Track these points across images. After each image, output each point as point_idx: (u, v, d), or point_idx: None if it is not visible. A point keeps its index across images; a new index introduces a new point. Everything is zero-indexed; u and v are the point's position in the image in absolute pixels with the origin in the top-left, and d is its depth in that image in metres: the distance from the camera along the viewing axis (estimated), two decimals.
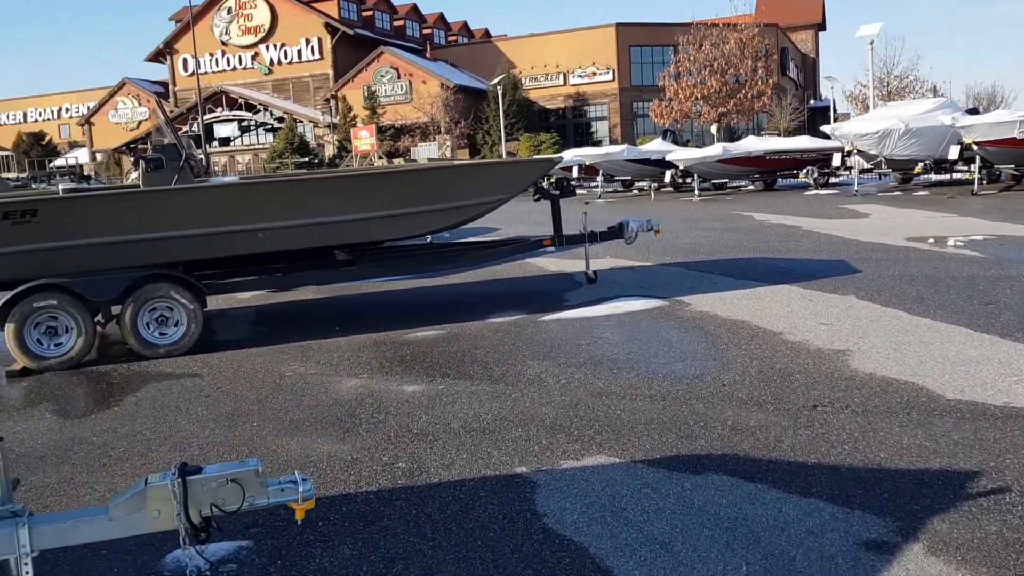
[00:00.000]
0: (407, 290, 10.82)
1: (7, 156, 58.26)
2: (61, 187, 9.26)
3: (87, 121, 67.82)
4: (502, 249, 9.59)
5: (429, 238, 11.23)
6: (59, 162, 57.20)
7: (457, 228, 9.58)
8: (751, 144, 27.42)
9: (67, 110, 74.22)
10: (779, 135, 37.30)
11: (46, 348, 7.39)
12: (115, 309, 7.91)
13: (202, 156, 39.96)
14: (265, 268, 8.92)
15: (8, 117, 76.30)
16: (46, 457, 5.06)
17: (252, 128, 58.93)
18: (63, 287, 7.29)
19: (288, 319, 9.50)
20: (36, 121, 74.69)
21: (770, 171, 27.15)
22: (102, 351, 8.14)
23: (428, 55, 59.61)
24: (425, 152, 45.37)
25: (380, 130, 47.50)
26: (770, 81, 48.34)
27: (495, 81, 49.09)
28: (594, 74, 55.74)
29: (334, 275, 9.07)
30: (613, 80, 55.18)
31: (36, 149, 66.27)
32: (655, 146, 29.81)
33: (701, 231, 15.83)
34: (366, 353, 7.36)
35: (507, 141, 48.44)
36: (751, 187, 29.20)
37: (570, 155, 29.61)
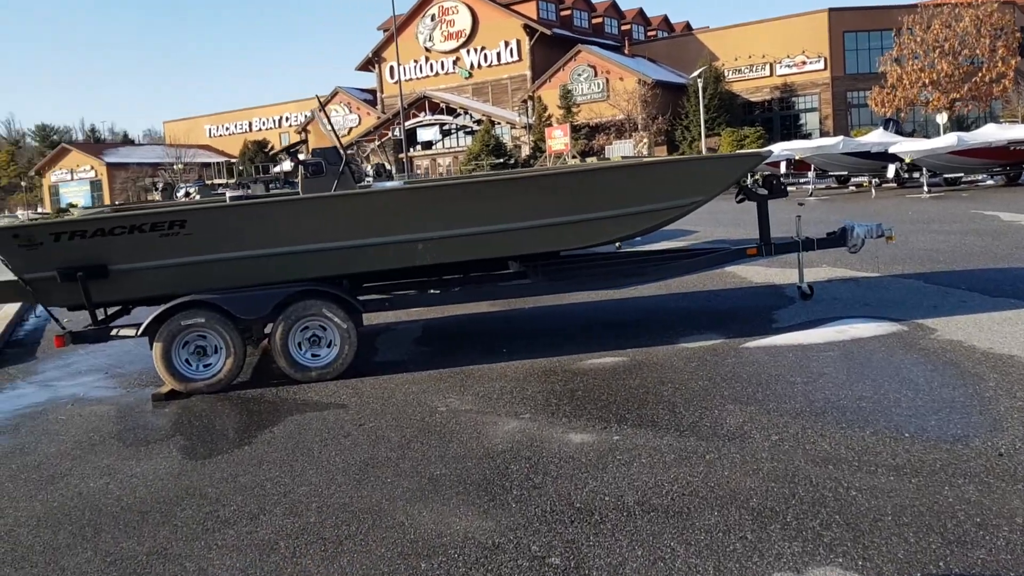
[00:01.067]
0: (586, 303, 9.67)
1: (230, 163, 62.53)
2: (229, 195, 8.86)
3: (304, 128, 71.68)
4: (699, 260, 8.21)
5: (618, 245, 10.01)
6: (276, 168, 60.75)
7: (647, 235, 8.33)
8: (991, 133, 24.12)
9: (287, 119, 78.85)
10: (1020, 123, 33.01)
11: (194, 369, 6.88)
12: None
13: (383, 163, 40.68)
14: (427, 282, 8.17)
15: (236, 127, 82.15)
16: (149, 514, 4.34)
17: (453, 131, 59.99)
18: (211, 304, 6.76)
19: (454, 336, 8.63)
20: (260, 130, 79.89)
21: (1015, 163, 23.76)
22: (260, 370, 7.58)
23: (626, 51, 58.29)
24: (620, 150, 44.02)
25: (574, 129, 46.67)
26: (1012, 63, 43.06)
27: (695, 74, 47.01)
28: (803, 63, 52.31)
29: (504, 290, 8.10)
30: (825, 69, 51.55)
31: (259, 156, 70.78)
32: (875, 137, 26.92)
33: (936, 234, 13.61)
34: (532, 385, 6.30)
35: (707, 136, 46.31)
36: (990, 182, 25.79)
37: (779, 149, 27.08)
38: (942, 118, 39.99)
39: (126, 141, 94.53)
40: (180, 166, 64.04)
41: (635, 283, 8.24)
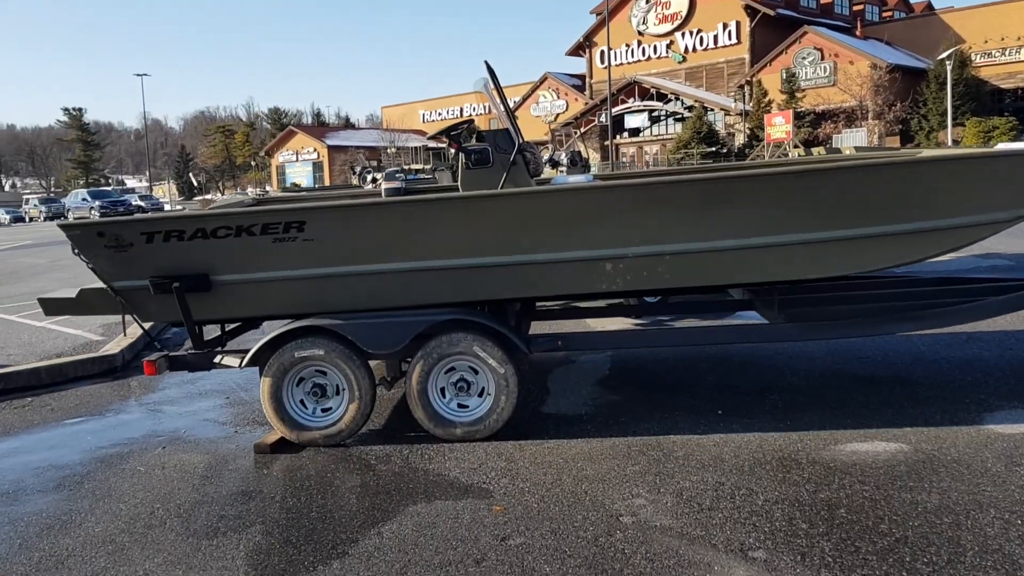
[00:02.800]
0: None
1: (427, 147, 63.03)
2: (385, 186, 7.27)
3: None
4: (1011, 299, 5.75)
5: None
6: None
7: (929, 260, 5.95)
8: None
9: (465, 114, 78.99)
10: None
11: (310, 414, 5.36)
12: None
13: (579, 151, 38.71)
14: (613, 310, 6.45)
15: (448, 112, 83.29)
16: None
17: (662, 118, 57.39)
18: (333, 332, 5.25)
19: (651, 377, 6.64)
20: (470, 115, 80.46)
21: None
22: (402, 408, 5.99)
23: (858, 33, 53.21)
24: (851, 140, 39.65)
25: (798, 116, 42.74)
26: None
27: (944, 55, 41.79)
28: None
29: (726, 334, 6.06)
30: None
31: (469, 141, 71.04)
32: None
33: None
34: (763, 484, 4.23)
35: (952, 127, 41.13)
36: None
37: None
38: None
39: (347, 125, 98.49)
40: (393, 150, 65.45)
41: (925, 327, 5.81)
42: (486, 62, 6.03)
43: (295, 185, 67.76)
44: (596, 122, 57.63)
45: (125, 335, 8.46)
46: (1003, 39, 46.74)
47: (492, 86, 6.06)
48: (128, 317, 5.53)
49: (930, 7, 64.60)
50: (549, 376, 6.76)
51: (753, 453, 4.70)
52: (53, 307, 5.81)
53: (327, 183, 70.71)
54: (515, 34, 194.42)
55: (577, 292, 5.47)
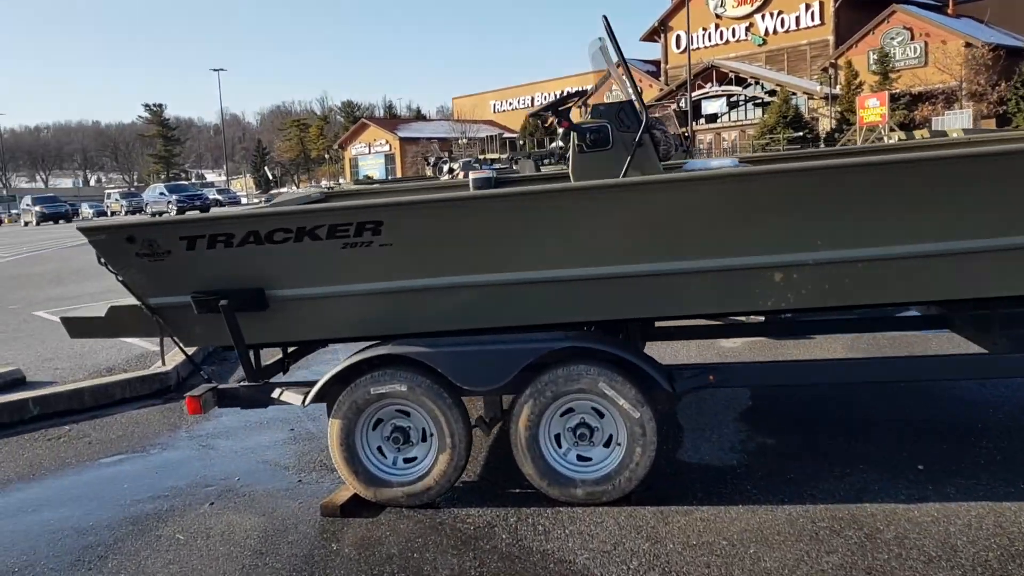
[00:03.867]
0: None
1: (503, 136, 62.07)
2: (473, 175, 6.16)
3: (583, 103, 69.87)
4: None
5: None
6: (553, 145, 59.39)
7: None
8: None
9: (565, 92, 77.26)
10: None
11: (390, 465, 4.25)
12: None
13: (683, 133, 37.14)
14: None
15: (519, 102, 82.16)
16: None
17: (741, 103, 55.27)
18: (418, 362, 4.15)
19: (801, 410, 5.37)
20: (541, 104, 79.23)
21: None
22: (496, 460, 4.87)
23: (950, 11, 50.27)
24: (955, 122, 37.03)
25: (892, 98, 40.28)
26: None
27: None
28: None
29: (927, 368, 4.46)
30: None
31: (539, 131, 69.99)
32: None
33: None
34: None
35: None
36: None
37: None
38: None
39: (418, 117, 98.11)
40: (464, 140, 64.67)
41: None
42: (604, 17, 4.84)
43: (368, 177, 67.58)
44: (672, 108, 55.86)
45: (164, 363, 7.23)
46: None
47: (611, 48, 4.89)
48: (168, 340, 4.50)
49: None
50: (680, 411, 5.52)
51: (993, 537, 3.42)
52: (79, 328, 4.81)
53: (399, 175, 70.44)
54: (586, 24, 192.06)
55: (731, 311, 4.34)
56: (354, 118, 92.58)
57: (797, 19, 53.30)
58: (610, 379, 4.02)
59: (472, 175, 6.16)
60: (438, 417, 4.15)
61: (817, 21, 52.22)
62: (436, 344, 4.15)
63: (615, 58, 4.78)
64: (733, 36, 56.88)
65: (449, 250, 4.02)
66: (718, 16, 57.34)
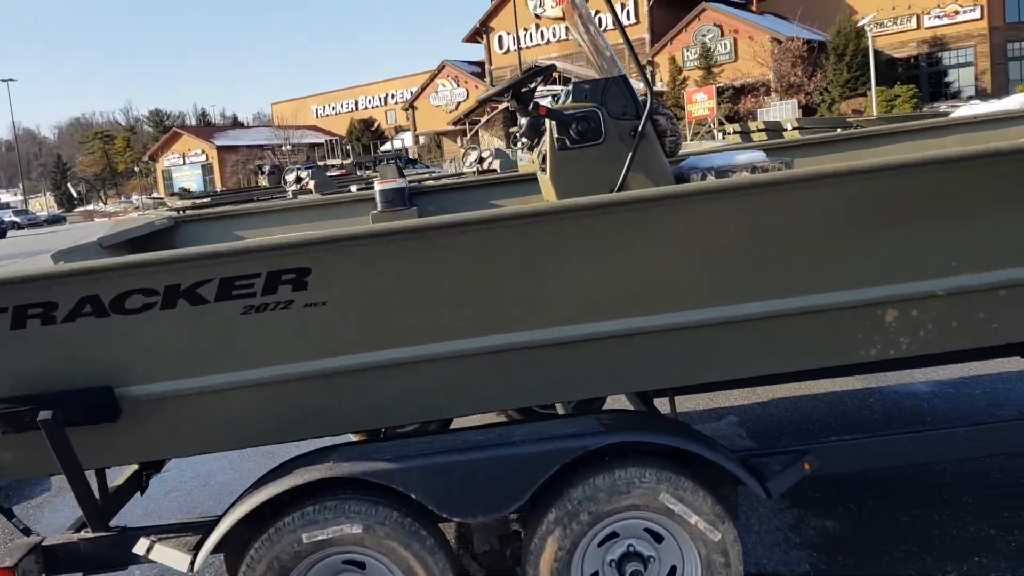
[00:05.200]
0: None
1: (332, 142, 60.90)
2: (379, 187, 4.88)
3: (410, 105, 69.55)
4: None
5: None
6: (385, 147, 58.89)
7: None
8: None
9: (392, 96, 76.86)
10: None
11: None
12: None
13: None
14: None
15: (343, 106, 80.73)
16: None
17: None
18: (378, 484, 2.83)
19: (880, 489, 4.31)
20: (366, 108, 78.21)
21: None
22: None
23: (754, 8, 53.93)
24: (781, 113, 39.80)
25: (718, 92, 42.83)
26: None
27: (863, 23, 42.58)
28: (956, 13, 47.07)
29: None
30: (981, 18, 46.26)
31: (366, 135, 69.14)
32: None
33: None
34: None
35: (847, 99, 42.02)
36: None
37: None
38: None
39: (236, 124, 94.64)
40: (288, 147, 62.92)
41: None
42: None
43: (184, 190, 64.59)
44: (500, 109, 56.76)
45: None
46: (894, 8, 48.10)
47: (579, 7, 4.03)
48: None
49: None
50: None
51: None
52: None
53: (219, 187, 67.60)
54: (408, 23, 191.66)
55: (820, 365, 3.21)
56: (164, 128, 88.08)
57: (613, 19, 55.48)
58: (675, 486, 2.82)
59: (379, 186, 4.90)
60: (413, 569, 2.79)
61: (633, 20, 54.48)
62: (404, 453, 2.85)
63: (584, 28, 3.96)
64: (555, 36, 58.37)
65: (423, 304, 2.82)
66: (538, 16, 58.69)
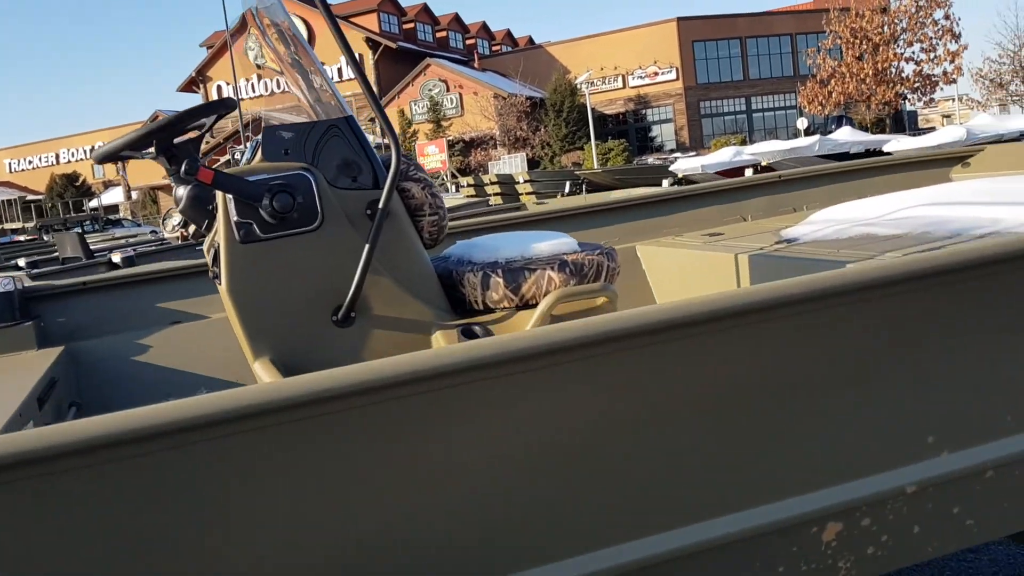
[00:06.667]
0: None
1: (16, 200, 54.75)
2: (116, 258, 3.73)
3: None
4: None
5: None
6: (93, 203, 54.03)
7: None
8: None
9: (100, 148, 70.99)
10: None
11: None
12: None
13: None
14: None
15: (41, 159, 73.28)
16: None
17: None
18: None
19: None
20: (69, 162, 71.46)
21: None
22: None
23: (476, 65, 55.80)
24: (511, 167, 40.86)
25: (448, 145, 43.40)
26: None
27: (580, 80, 44.89)
28: (656, 74, 51.58)
29: None
30: (677, 79, 50.98)
31: (70, 191, 63.10)
32: (845, 135, 22.05)
33: None
34: None
35: (567, 152, 44.44)
36: None
37: (750, 152, 22.00)
38: (802, 122, 39.20)
39: None
40: None
41: None
42: None
43: None
44: (229, 157, 54.15)
45: None
46: (602, 69, 51.72)
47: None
48: None
49: (531, 42, 69.73)
50: None
51: None
52: None
53: None
54: (121, 70, 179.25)
55: None
56: None
57: (339, 71, 54.87)
58: None
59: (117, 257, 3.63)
60: None
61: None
62: None
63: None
64: (278, 87, 56.03)
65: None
66: (259, 67, 56.13)
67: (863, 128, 34.98)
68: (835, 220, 3.16)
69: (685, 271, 3.34)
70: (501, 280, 2.41)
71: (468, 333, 2.38)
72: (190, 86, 60.33)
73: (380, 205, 2.28)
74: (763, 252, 2.91)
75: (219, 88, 56.97)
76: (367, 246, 2.26)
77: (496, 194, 20.03)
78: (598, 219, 3.67)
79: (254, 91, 57.38)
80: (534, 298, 2.40)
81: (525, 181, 20.27)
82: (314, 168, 2.30)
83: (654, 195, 3.91)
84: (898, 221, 2.87)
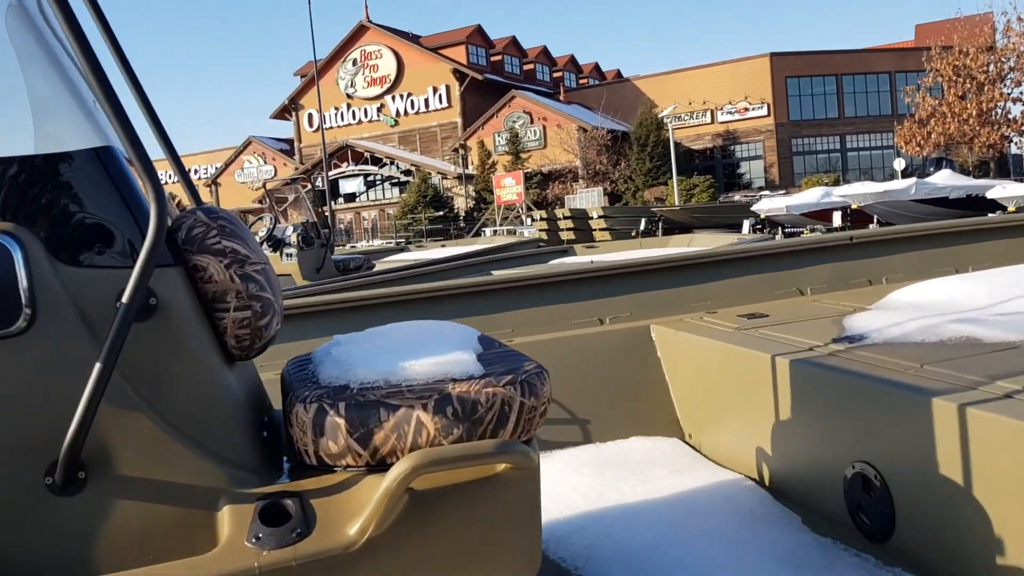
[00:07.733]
0: None
1: None
2: None
3: (214, 182, 66.33)
4: None
5: None
6: None
7: None
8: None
9: (195, 172, 73.21)
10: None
11: None
12: None
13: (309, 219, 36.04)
14: None
15: None
16: None
17: (378, 183, 55.90)
18: None
19: None
20: (166, 183, 73.88)
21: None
22: None
23: (561, 98, 55.43)
24: (587, 200, 40.17)
25: (526, 177, 42.93)
26: None
27: (664, 114, 44.02)
28: (746, 110, 50.23)
29: None
30: (768, 115, 49.52)
31: None
32: (944, 178, 20.71)
33: None
34: None
35: (650, 187, 43.38)
36: None
37: (838, 194, 20.61)
38: (900, 162, 37.51)
39: None
40: None
41: None
42: None
43: None
44: (310, 185, 54.99)
45: None
46: (690, 103, 50.71)
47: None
48: None
49: (619, 75, 69.13)
50: None
51: None
52: None
53: None
54: (216, 96, 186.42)
55: None
56: None
57: (427, 101, 55.31)
58: None
59: None
60: None
61: (445, 104, 54.70)
62: None
63: None
64: (366, 116, 57.60)
65: None
66: (349, 96, 57.81)
67: (964, 171, 33.06)
68: (923, 307, 2.32)
69: (708, 366, 2.52)
70: (342, 421, 1.53)
71: (272, 512, 1.47)
72: (282, 113, 61.65)
73: (125, 297, 1.40)
74: (813, 357, 2.10)
75: (310, 116, 58.06)
76: (98, 363, 1.38)
77: (569, 229, 19.33)
78: (608, 286, 2.91)
79: (343, 119, 58.32)
80: (392, 455, 1.53)
81: (599, 216, 19.49)
82: (22, 230, 1.44)
83: (683, 258, 3.09)
84: (1013, 317, 2.05)
